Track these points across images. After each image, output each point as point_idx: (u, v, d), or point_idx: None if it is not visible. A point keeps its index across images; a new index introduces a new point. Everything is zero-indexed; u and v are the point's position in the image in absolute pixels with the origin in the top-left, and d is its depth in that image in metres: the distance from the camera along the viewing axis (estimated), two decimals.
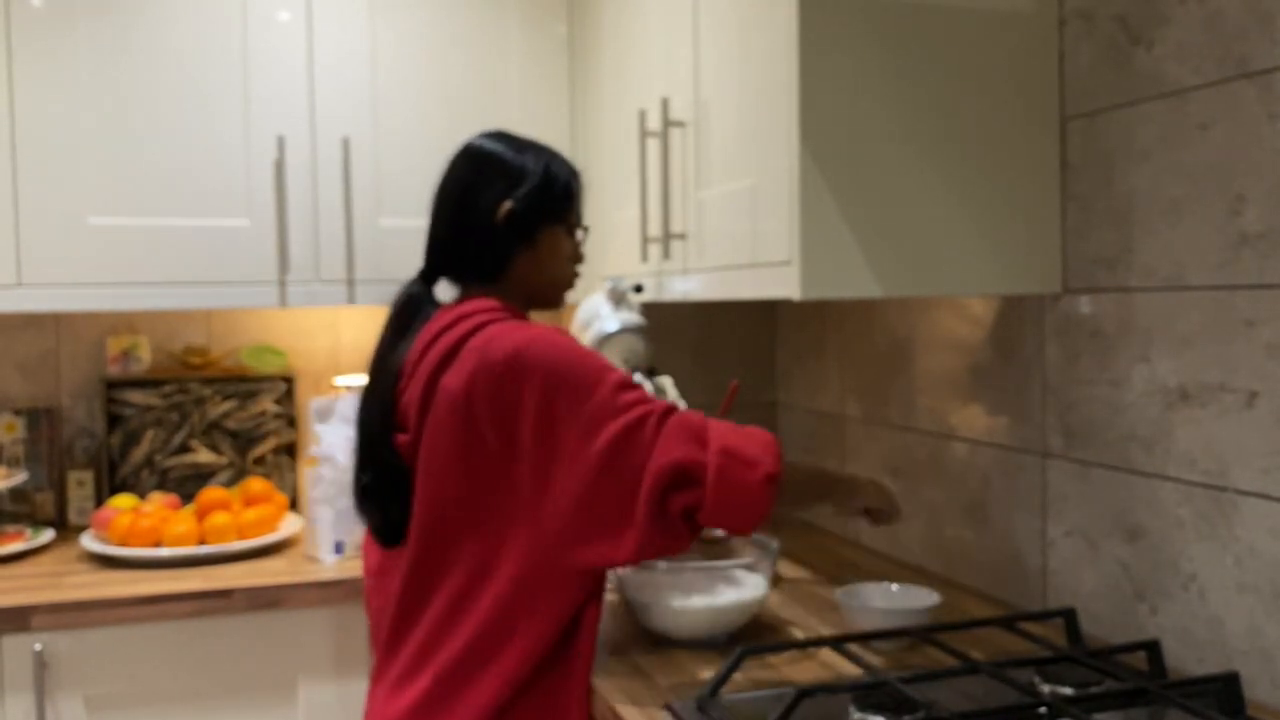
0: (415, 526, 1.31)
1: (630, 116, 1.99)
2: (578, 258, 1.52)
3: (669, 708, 1.27)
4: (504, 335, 1.29)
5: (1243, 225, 1.28)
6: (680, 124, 1.78)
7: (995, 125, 1.52)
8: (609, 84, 2.16)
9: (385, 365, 1.40)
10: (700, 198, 1.71)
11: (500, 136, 1.50)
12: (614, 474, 1.22)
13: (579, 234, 1.52)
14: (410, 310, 1.43)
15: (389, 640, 1.36)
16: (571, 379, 1.25)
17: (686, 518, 1.23)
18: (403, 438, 1.34)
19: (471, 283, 1.46)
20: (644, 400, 1.26)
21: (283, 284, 2.19)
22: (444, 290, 1.48)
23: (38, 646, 1.80)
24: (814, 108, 1.42)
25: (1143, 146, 1.42)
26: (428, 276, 1.47)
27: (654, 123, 1.85)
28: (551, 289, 1.48)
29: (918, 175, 1.48)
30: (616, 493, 1.22)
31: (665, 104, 1.79)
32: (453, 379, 1.28)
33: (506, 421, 1.25)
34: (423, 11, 2.27)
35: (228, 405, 2.43)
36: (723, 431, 1.26)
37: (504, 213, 1.42)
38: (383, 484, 1.37)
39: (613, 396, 1.24)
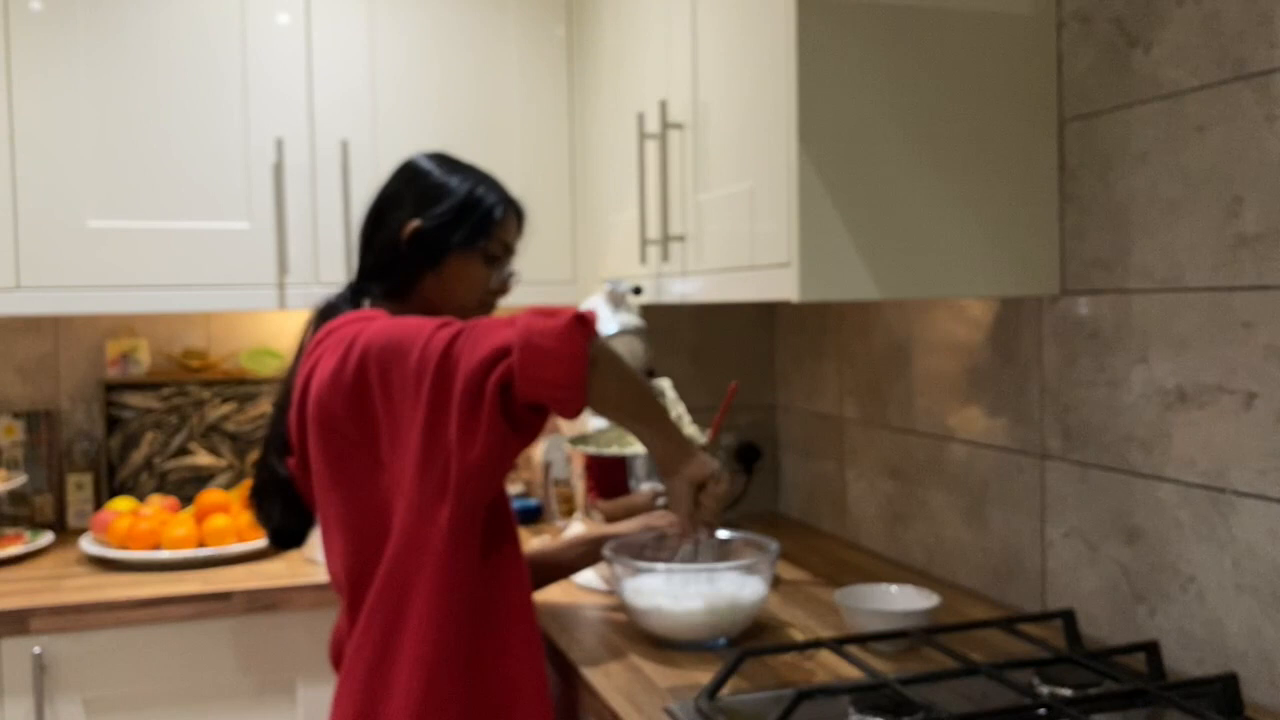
0: (336, 542, 1.34)
1: (629, 118, 1.99)
2: (499, 289, 1.48)
3: (668, 710, 1.27)
4: (343, 338, 1.29)
5: (1240, 227, 1.28)
6: (679, 126, 1.78)
7: (994, 127, 1.52)
8: (608, 86, 2.16)
9: (289, 373, 1.43)
10: (699, 200, 1.71)
11: (437, 156, 1.49)
12: (439, 400, 1.20)
13: (505, 265, 1.48)
14: (325, 320, 1.43)
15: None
16: (395, 348, 1.24)
17: (504, 394, 1.18)
18: (291, 458, 1.39)
19: (380, 299, 1.45)
20: (457, 326, 1.23)
21: (282, 287, 2.19)
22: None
23: (37, 649, 1.80)
24: (813, 110, 1.42)
25: (1140, 148, 1.42)
26: (355, 288, 1.47)
27: (653, 125, 1.85)
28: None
29: (916, 177, 1.48)
30: (444, 415, 1.21)
31: (664, 106, 1.79)
32: (315, 389, 1.30)
33: (362, 415, 1.26)
34: (422, 14, 2.27)
35: (227, 408, 2.43)
36: (533, 311, 1.22)
37: (409, 231, 1.41)
38: (266, 490, 1.42)
39: (429, 340, 1.22)
